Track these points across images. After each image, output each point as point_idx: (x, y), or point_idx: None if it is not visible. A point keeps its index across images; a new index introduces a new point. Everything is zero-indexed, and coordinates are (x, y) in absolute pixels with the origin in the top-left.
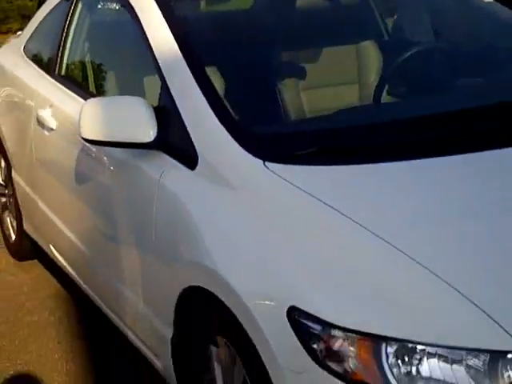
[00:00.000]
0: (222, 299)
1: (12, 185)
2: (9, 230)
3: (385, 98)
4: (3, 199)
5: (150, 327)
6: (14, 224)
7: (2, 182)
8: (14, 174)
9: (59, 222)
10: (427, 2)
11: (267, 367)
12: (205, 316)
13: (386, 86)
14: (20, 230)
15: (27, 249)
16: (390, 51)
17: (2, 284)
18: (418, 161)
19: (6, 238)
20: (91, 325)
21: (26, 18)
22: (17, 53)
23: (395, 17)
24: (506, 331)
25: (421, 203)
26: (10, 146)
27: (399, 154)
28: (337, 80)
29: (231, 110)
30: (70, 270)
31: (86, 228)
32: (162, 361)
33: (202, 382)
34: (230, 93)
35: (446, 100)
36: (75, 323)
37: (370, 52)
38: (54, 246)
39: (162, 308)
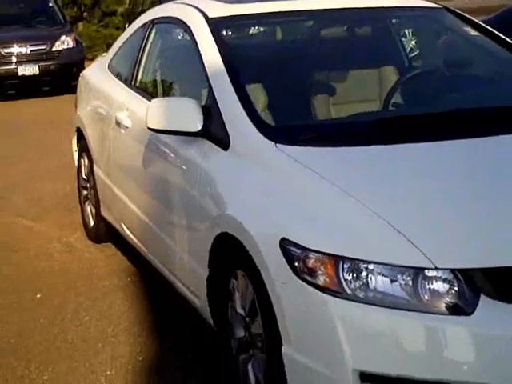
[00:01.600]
0: (241, 239)
1: (93, 178)
2: (88, 217)
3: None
4: (85, 192)
5: (192, 273)
6: (93, 211)
7: (84, 177)
8: (95, 168)
9: (129, 202)
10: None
11: (265, 282)
12: (229, 256)
13: (392, 100)
14: (98, 216)
15: (103, 232)
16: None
17: (82, 259)
18: (393, 145)
19: (86, 224)
20: (151, 286)
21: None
22: (102, 69)
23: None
24: (423, 253)
25: (392, 171)
26: (93, 145)
27: (368, 140)
28: (359, 97)
29: (257, 110)
30: (135, 240)
31: (148, 203)
32: (200, 300)
33: (227, 309)
34: (257, 97)
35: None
36: (138, 287)
37: (390, 75)
38: (124, 223)
39: (201, 255)
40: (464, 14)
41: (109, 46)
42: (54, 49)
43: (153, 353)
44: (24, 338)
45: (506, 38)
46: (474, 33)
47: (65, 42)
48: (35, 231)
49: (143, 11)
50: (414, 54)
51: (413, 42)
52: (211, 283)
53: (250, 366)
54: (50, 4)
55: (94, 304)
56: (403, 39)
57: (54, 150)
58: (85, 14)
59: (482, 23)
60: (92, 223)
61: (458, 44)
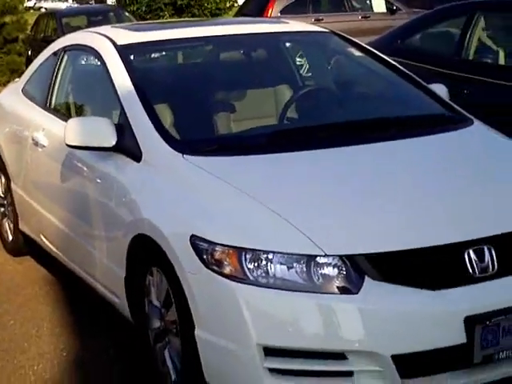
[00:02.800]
0: (155, 239)
1: (11, 195)
2: (6, 232)
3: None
4: (2, 209)
5: (111, 274)
6: (11, 226)
7: (1, 195)
8: (12, 185)
9: (48, 214)
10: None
11: (178, 273)
12: (144, 255)
13: (286, 115)
14: (16, 230)
15: (21, 246)
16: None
17: (2, 271)
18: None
19: (4, 239)
20: (70, 292)
21: (15, 71)
22: (17, 93)
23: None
24: (314, 242)
25: (283, 174)
26: (10, 164)
27: (263, 149)
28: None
29: (165, 126)
30: (54, 249)
31: (67, 215)
32: (120, 299)
33: (144, 304)
34: (165, 115)
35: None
36: (58, 294)
37: (285, 93)
38: (43, 234)
39: (118, 256)
40: (349, 36)
41: (13, 71)
42: None
43: (76, 349)
44: None
45: (385, 57)
46: (357, 53)
47: None
48: None
49: (45, 37)
50: (306, 74)
51: (305, 63)
52: (129, 282)
53: (166, 353)
54: None
55: (17, 310)
56: (297, 60)
57: None
58: None
59: (364, 45)
60: (10, 238)
61: (344, 64)
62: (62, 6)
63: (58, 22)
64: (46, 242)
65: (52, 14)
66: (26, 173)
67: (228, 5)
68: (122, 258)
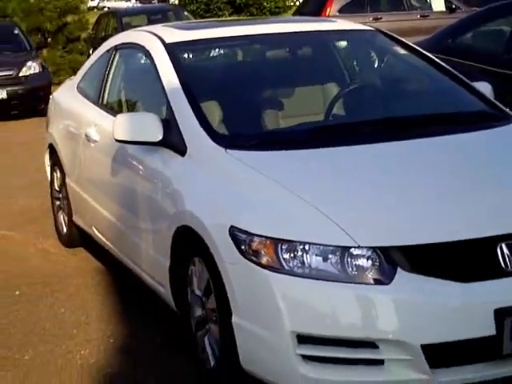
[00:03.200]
0: (197, 230)
1: (65, 189)
2: (61, 225)
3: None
4: (58, 202)
5: (156, 264)
6: (66, 219)
7: (57, 189)
8: (67, 179)
9: (99, 207)
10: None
11: (217, 263)
12: (187, 245)
13: (332, 112)
14: (70, 223)
15: (75, 238)
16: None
17: (57, 261)
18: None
19: (59, 231)
20: (120, 283)
21: (77, 70)
22: (71, 90)
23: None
24: (348, 235)
25: (323, 168)
26: (65, 159)
27: (304, 144)
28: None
29: (209, 121)
30: (105, 241)
31: (117, 207)
32: (165, 288)
33: (187, 293)
34: (210, 111)
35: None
36: (109, 284)
37: (332, 91)
38: (95, 227)
39: (163, 247)
40: (394, 35)
41: (74, 70)
42: (20, 74)
43: (123, 336)
44: (5, 327)
45: (431, 56)
46: (402, 51)
47: (31, 68)
48: (11, 239)
49: (106, 37)
50: (353, 72)
51: (353, 61)
52: (173, 271)
53: (206, 340)
54: (16, 31)
55: (68, 299)
56: (344, 58)
57: (25, 169)
58: (49, 40)
59: (409, 43)
60: (65, 230)
61: (390, 62)
62: (125, 5)
63: (119, 22)
64: (98, 234)
65: (113, 14)
66: (80, 167)
67: (288, 4)
68: (167, 248)
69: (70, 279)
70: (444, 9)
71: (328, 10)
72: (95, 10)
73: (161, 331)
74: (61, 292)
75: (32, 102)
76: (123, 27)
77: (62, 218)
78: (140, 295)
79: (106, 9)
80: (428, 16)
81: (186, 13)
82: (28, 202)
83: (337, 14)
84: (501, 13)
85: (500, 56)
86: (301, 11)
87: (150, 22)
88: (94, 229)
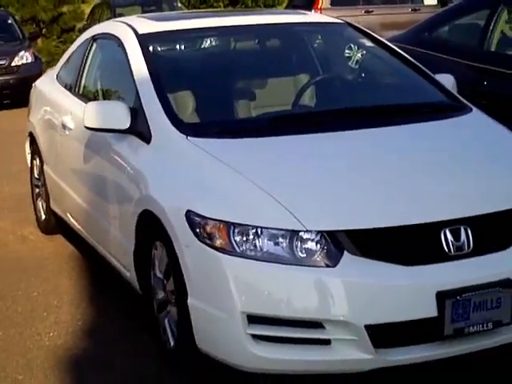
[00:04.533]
0: (157, 215)
1: (44, 176)
2: (40, 212)
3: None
4: (37, 189)
5: (122, 248)
6: (44, 206)
7: (37, 176)
8: (45, 167)
9: (73, 193)
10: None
11: (174, 246)
12: (149, 229)
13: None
14: (48, 210)
15: (53, 225)
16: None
17: (34, 248)
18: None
19: (38, 218)
20: (93, 268)
21: None
22: (52, 79)
23: None
24: (297, 219)
25: (277, 155)
26: (43, 147)
27: (262, 132)
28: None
29: (174, 110)
30: (78, 227)
31: (88, 193)
32: (130, 272)
33: (150, 276)
34: (176, 100)
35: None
36: (82, 269)
37: (301, 82)
38: (69, 213)
39: (128, 231)
40: (362, 27)
41: None
42: (13, 64)
43: (92, 319)
44: None
45: (397, 49)
46: (369, 44)
47: (24, 57)
48: None
49: None
50: (321, 63)
51: (353, 55)
52: (137, 255)
53: (166, 321)
54: (9, 21)
55: (42, 283)
56: (346, 52)
57: (12, 157)
58: (44, 30)
59: (376, 35)
60: (43, 217)
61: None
62: None
63: (112, 12)
64: (72, 220)
65: (106, 4)
66: (56, 155)
67: None
68: (132, 233)
69: (45, 264)
70: (436, 2)
71: (320, 2)
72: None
73: (128, 313)
74: (36, 277)
75: (24, 92)
76: (116, 18)
77: (40, 205)
78: (111, 279)
79: None
80: (419, 10)
81: (179, 4)
82: (12, 190)
83: (329, 6)
84: (476, 7)
85: (474, 49)
86: (293, 3)
87: (144, 13)
88: (69, 215)
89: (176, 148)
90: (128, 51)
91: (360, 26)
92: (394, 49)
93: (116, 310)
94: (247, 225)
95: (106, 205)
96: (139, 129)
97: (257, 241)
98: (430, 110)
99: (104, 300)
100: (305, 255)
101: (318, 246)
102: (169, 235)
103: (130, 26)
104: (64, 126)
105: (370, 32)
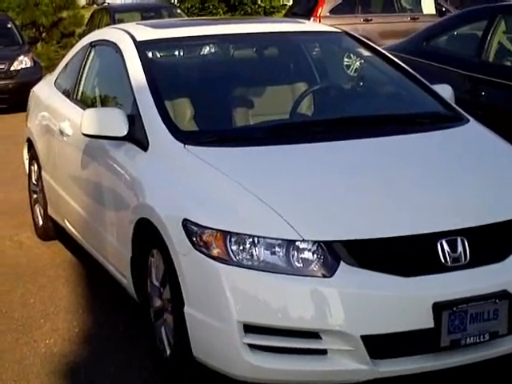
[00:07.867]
0: (154, 223)
1: (41, 182)
2: (38, 218)
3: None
4: (35, 195)
5: (119, 256)
6: (42, 212)
7: (34, 182)
8: (43, 173)
9: (70, 200)
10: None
11: (171, 254)
12: (146, 237)
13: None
14: (46, 216)
15: (50, 231)
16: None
17: (31, 254)
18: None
19: (36, 224)
20: (90, 275)
21: None
22: (50, 85)
23: None
24: (294, 229)
25: (275, 165)
26: (41, 153)
27: (260, 141)
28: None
29: (172, 118)
30: (75, 233)
31: (85, 199)
32: (127, 279)
33: (147, 284)
34: (173, 108)
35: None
36: (79, 275)
37: (298, 91)
38: (67, 219)
39: (126, 239)
40: (360, 37)
41: None
42: (12, 68)
43: (88, 326)
44: None
45: (394, 58)
46: (366, 53)
47: (23, 62)
48: None
49: None
50: (319, 72)
51: (352, 63)
52: (134, 263)
53: (163, 330)
54: (9, 25)
55: (39, 290)
56: (345, 61)
57: (9, 162)
58: (43, 34)
59: (374, 45)
60: (41, 223)
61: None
62: (128, 0)
63: (112, 18)
64: (69, 226)
65: (106, 10)
66: (54, 161)
67: (283, 2)
68: (129, 240)
69: (42, 271)
70: (434, 12)
71: (319, 10)
72: (94, 6)
73: (125, 321)
74: (32, 283)
75: (22, 97)
76: (116, 24)
77: (38, 210)
78: (109, 286)
79: (105, 4)
80: (418, 18)
81: (178, 10)
82: (9, 196)
83: (328, 14)
84: (474, 17)
85: (470, 60)
86: (292, 11)
87: (143, 19)
88: (66, 221)
89: (173, 156)
90: (126, 58)
91: (358, 36)
92: (391, 58)
93: (113, 317)
94: (244, 234)
95: (103, 212)
96: (136, 136)
97: (253, 250)
98: (427, 121)
99: (101, 307)
100: (301, 265)
101: (315, 255)
102: (165, 243)
103: (128, 32)
104: (62, 132)
105: (367, 41)
